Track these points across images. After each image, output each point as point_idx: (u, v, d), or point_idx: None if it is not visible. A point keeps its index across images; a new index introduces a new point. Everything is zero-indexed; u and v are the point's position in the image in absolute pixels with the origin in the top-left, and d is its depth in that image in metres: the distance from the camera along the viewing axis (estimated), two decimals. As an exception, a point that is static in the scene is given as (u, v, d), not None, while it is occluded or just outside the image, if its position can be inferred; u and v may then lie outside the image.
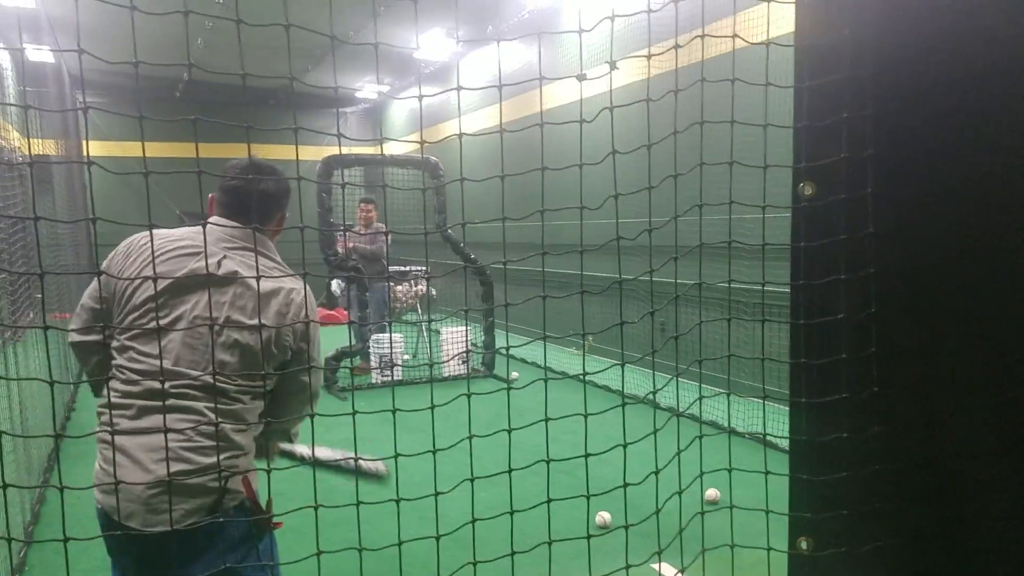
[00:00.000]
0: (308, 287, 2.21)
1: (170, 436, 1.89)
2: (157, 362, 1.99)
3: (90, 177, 1.35)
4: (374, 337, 8.64)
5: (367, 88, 15.90)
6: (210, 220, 2.20)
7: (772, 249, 1.75)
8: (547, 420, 1.79)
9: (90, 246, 12.86)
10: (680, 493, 1.93)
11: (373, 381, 8.64)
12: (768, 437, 5.56)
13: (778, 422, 5.43)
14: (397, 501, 1.69)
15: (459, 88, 1.68)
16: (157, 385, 1.98)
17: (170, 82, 14.46)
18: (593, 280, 1.92)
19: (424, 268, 9.93)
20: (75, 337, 2.21)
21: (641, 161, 1.72)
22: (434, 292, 10.26)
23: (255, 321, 2.05)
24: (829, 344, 1.52)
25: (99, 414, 2.10)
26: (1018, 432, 1.34)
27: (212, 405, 2.01)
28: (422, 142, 1.62)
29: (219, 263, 2.11)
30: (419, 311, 9.83)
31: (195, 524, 1.96)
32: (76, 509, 1.61)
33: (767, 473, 1.82)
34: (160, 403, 1.98)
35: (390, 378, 8.56)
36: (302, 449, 2.38)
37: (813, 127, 1.49)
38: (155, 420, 1.96)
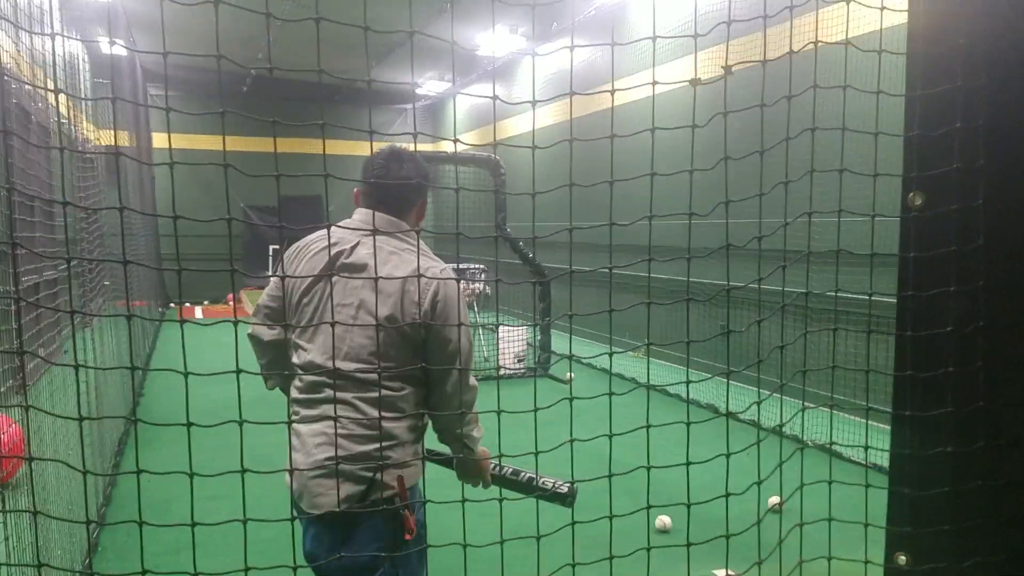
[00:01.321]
0: (448, 270, 2.23)
1: (329, 424, 2.05)
2: (311, 356, 2.17)
3: (172, 175, 1.35)
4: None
5: (428, 84, 16.01)
6: (355, 213, 2.33)
7: (877, 259, 1.70)
8: (611, 435, 1.74)
9: (157, 237, 13.21)
10: (768, 509, 1.88)
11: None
12: (847, 449, 5.43)
13: (861, 436, 5.28)
14: (462, 502, 1.67)
15: (533, 98, 1.65)
16: (316, 378, 2.15)
17: (237, 78, 14.74)
18: (660, 282, 1.88)
19: (482, 266, 9.94)
20: (249, 330, 2.38)
21: (715, 172, 1.67)
22: (488, 290, 10.25)
23: (381, 302, 2.10)
24: (935, 357, 1.48)
25: (288, 405, 2.25)
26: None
27: (361, 394, 2.12)
28: (495, 143, 1.60)
29: (352, 250, 2.21)
30: (476, 308, 9.85)
31: (347, 510, 2.08)
32: (147, 493, 1.63)
33: (867, 487, 1.76)
34: (318, 395, 2.17)
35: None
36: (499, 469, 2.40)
37: (925, 137, 1.45)
38: (319, 410, 2.15)
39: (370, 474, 2.10)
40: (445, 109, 18.07)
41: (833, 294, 1.76)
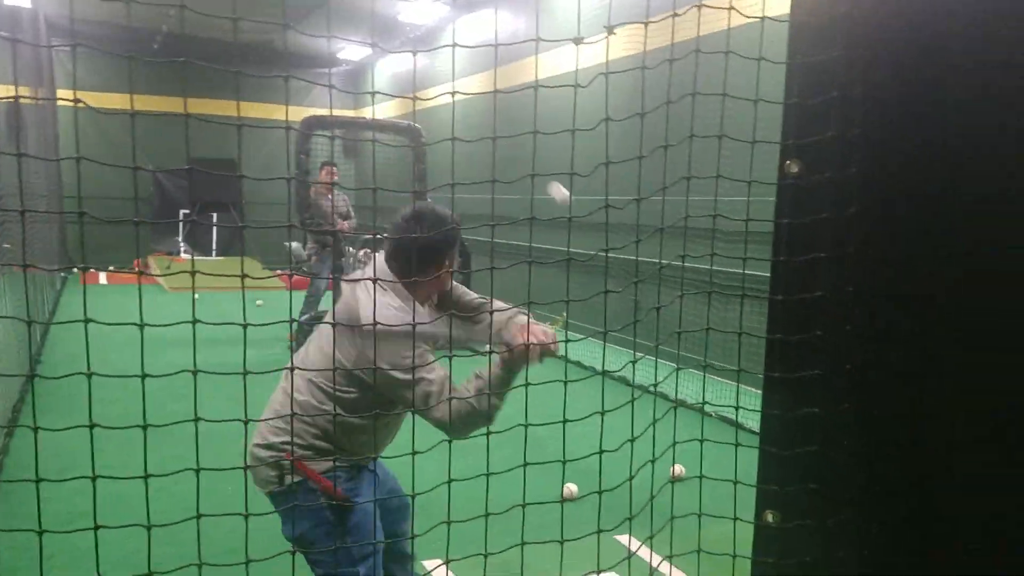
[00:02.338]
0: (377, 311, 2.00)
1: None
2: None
3: (77, 133, 1.30)
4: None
5: (348, 50, 15.70)
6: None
7: (753, 234, 1.74)
8: (526, 386, 1.78)
9: (61, 200, 12.66)
10: (653, 462, 1.95)
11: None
12: (740, 415, 5.63)
13: (749, 403, 5.46)
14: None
15: (453, 46, 1.64)
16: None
17: (147, 34, 14.16)
18: (575, 255, 1.91)
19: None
20: None
21: (629, 139, 1.70)
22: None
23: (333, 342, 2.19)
24: (807, 321, 1.53)
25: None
26: (990, 417, 1.36)
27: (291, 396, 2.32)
28: (415, 98, 1.59)
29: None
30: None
31: (269, 491, 2.46)
32: (44, 460, 1.59)
33: (737, 445, 1.84)
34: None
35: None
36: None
37: (803, 105, 1.49)
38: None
39: (283, 463, 2.40)
40: (366, 76, 17.76)
41: (709, 262, 1.82)
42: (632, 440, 1.86)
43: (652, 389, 2.07)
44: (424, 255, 2.39)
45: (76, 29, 13.04)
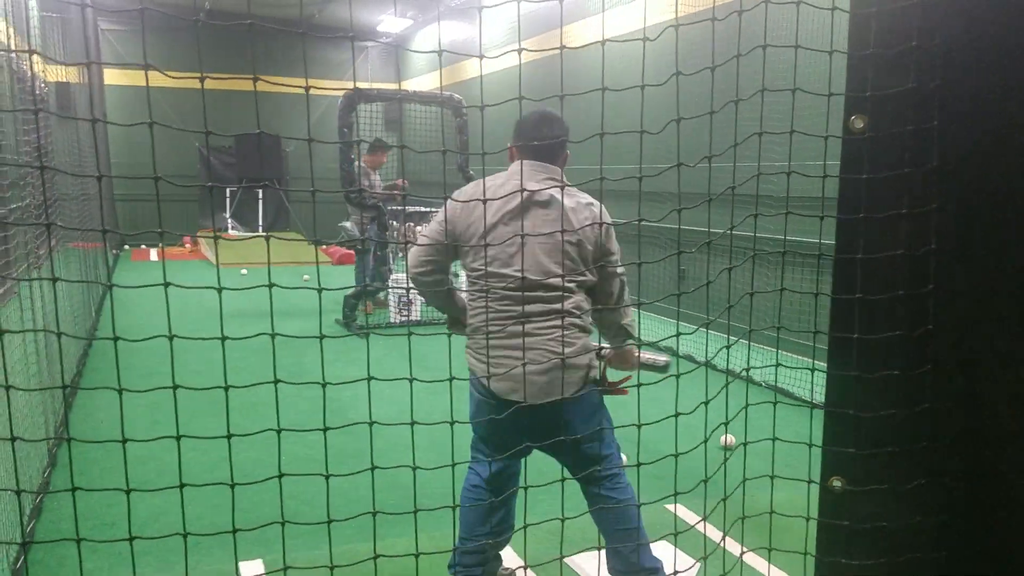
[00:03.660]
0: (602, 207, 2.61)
1: (549, 330, 2.71)
2: (535, 278, 2.71)
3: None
4: (393, 276, 8.66)
5: (387, 22, 15.68)
6: (514, 165, 2.85)
7: (805, 199, 1.70)
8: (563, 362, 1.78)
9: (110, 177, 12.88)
10: (706, 441, 1.94)
11: (392, 320, 8.70)
12: (786, 382, 5.60)
13: (792, 370, 5.42)
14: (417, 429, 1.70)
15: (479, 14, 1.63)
16: (529, 293, 2.70)
17: (189, 12, 14.30)
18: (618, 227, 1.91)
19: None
20: (421, 278, 2.88)
21: (670, 107, 1.67)
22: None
23: (570, 230, 2.69)
24: (885, 280, 1.49)
25: (475, 328, 2.82)
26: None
27: (574, 302, 2.74)
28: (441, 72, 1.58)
29: (537, 192, 2.71)
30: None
31: (576, 393, 2.72)
32: (90, 454, 1.63)
33: (812, 405, 1.81)
34: (538, 307, 2.73)
35: (407, 317, 8.62)
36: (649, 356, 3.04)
37: (878, 55, 1.44)
38: (549, 321, 2.72)
39: (587, 361, 2.78)
40: (407, 47, 17.68)
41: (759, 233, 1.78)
42: (676, 415, 1.85)
43: (705, 361, 2.05)
44: (564, 145, 2.88)
45: (121, 6, 13.22)
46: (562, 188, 2.49)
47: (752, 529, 2.12)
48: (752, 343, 2.15)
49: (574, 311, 2.74)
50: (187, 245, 14.55)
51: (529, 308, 2.71)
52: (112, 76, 14.19)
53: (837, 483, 1.60)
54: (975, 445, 1.45)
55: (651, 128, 1.66)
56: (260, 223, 16.03)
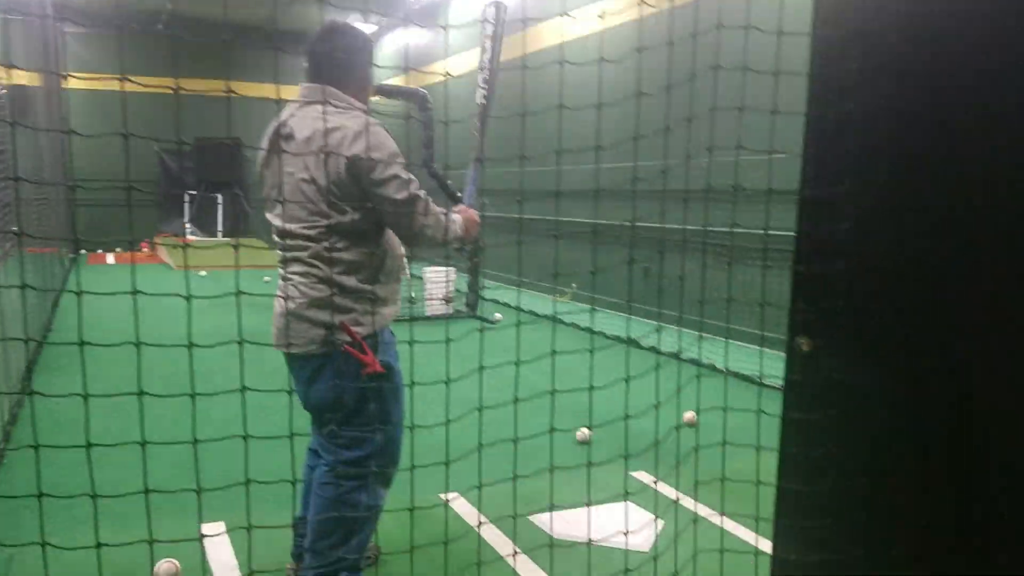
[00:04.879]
0: (373, 128, 2.29)
1: (293, 279, 2.36)
2: (279, 225, 2.39)
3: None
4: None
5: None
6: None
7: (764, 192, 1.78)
8: (518, 362, 1.84)
9: (67, 183, 12.71)
10: (657, 407, 2.01)
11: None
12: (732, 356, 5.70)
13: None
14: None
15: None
16: (283, 242, 2.41)
17: (151, 15, 14.14)
18: (576, 226, 1.98)
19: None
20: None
21: (627, 116, 1.73)
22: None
23: (302, 166, 2.29)
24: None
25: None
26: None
27: (313, 251, 2.33)
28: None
29: (286, 122, 2.37)
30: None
31: (310, 351, 2.36)
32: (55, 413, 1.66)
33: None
34: (291, 255, 2.40)
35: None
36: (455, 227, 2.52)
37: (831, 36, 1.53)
38: (289, 268, 2.40)
39: (327, 319, 2.32)
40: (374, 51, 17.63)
41: (727, 230, 1.86)
42: (627, 379, 1.92)
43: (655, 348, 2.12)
44: (353, 59, 2.44)
45: (80, 10, 13.05)
46: (325, 114, 2.16)
47: (714, 492, 2.22)
48: (705, 334, 2.22)
49: (313, 261, 2.33)
50: (144, 249, 14.38)
51: (286, 254, 2.41)
52: (72, 80, 13.97)
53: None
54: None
55: (609, 130, 1.72)
56: (219, 228, 15.88)
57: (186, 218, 15.59)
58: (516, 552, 2.45)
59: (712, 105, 1.78)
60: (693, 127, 1.83)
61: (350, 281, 2.34)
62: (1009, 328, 1.42)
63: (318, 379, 2.38)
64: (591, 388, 2.05)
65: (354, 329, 2.33)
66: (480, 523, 2.53)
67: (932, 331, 1.52)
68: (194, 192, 15.24)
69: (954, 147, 1.44)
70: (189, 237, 14.85)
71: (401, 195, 2.30)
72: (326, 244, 2.31)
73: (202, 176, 15.31)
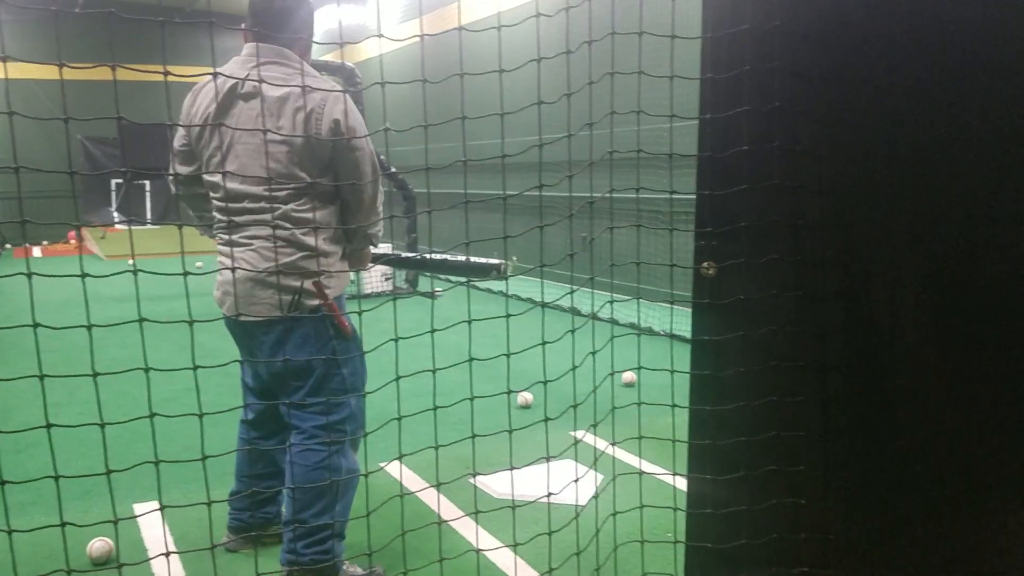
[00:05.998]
0: (345, 96, 2.32)
1: (253, 244, 2.32)
2: (236, 187, 2.30)
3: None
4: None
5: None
6: (244, 49, 2.43)
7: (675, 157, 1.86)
8: (433, 329, 1.88)
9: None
10: (574, 368, 2.08)
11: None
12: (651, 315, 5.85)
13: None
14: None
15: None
16: (239, 205, 2.33)
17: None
18: (514, 197, 2.04)
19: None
20: (177, 190, 2.56)
21: (555, 83, 1.78)
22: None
23: (273, 125, 2.23)
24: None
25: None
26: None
27: (281, 212, 2.29)
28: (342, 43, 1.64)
29: (244, 82, 2.30)
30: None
31: (273, 317, 2.32)
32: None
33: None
34: (246, 218, 2.34)
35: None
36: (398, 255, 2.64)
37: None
38: (248, 231, 2.34)
39: (296, 283, 2.31)
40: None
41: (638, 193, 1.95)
42: (540, 344, 1.97)
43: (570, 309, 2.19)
44: (293, 12, 2.44)
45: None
46: (295, 78, 2.14)
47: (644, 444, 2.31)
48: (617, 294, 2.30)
49: (282, 222, 2.28)
50: (72, 240, 13.98)
51: (239, 219, 2.34)
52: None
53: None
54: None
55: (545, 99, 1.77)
56: (148, 216, 15.52)
57: (114, 206, 15.19)
58: (461, 516, 2.53)
59: (611, 70, 1.85)
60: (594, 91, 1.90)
61: (321, 243, 2.33)
62: (901, 243, 1.52)
63: (285, 344, 2.33)
64: (510, 353, 2.09)
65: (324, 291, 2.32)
66: (423, 488, 2.53)
67: (831, 248, 1.61)
68: (120, 180, 14.83)
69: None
70: (117, 227, 14.49)
71: (366, 166, 2.35)
72: (294, 205, 2.30)
73: (129, 163, 14.90)
